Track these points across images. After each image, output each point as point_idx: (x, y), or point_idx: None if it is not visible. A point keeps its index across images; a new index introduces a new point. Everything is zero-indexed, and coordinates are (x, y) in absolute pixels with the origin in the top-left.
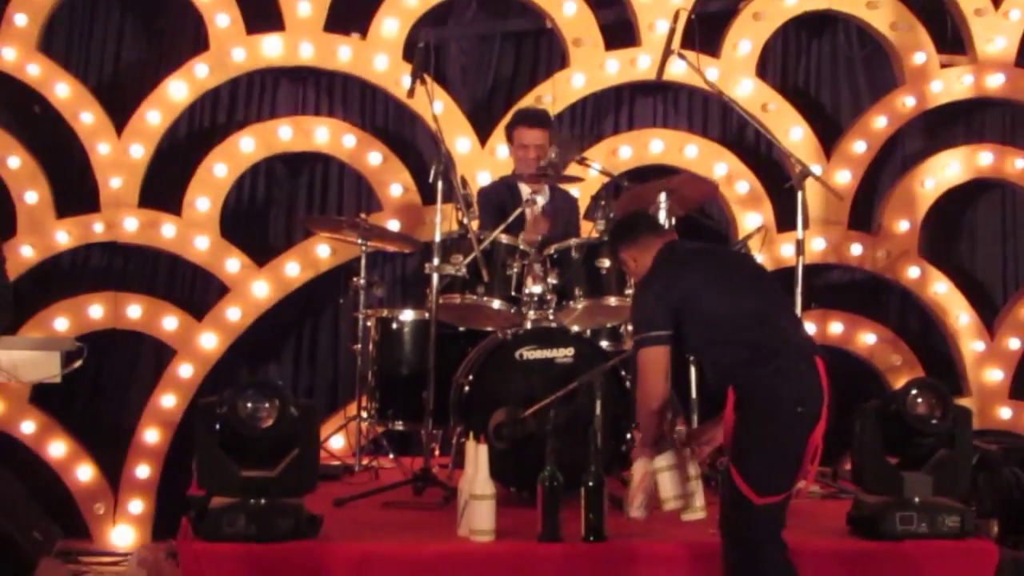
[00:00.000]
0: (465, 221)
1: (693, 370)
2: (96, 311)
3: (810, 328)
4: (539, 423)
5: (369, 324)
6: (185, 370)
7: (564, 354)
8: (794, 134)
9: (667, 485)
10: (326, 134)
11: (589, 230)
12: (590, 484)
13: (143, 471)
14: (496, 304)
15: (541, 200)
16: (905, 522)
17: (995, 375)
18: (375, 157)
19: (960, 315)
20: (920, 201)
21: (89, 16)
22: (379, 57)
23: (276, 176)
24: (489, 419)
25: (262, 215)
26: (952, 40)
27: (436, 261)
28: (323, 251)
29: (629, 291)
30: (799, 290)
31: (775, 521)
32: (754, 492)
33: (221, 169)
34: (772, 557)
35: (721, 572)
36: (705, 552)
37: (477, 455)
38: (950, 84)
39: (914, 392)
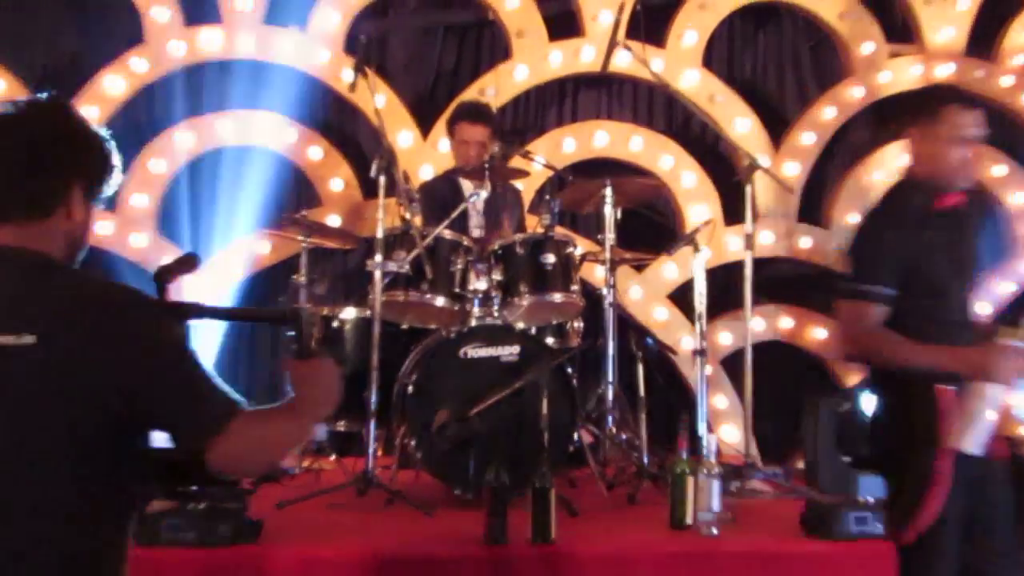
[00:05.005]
0: (408, 216)
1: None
2: None
3: (759, 323)
4: (484, 423)
5: None
6: None
7: (509, 352)
8: (741, 126)
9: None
10: (266, 128)
11: (534, 225)
12: (537, 485)
13: None
14: (440, 301)
15: (484, 194)
16: (860, 522)
17: None
18: (315, 152)
19: None
20: (870, 193)
21: None
22: (320, 50)
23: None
24: (433, 419)
25: (201, 210)
26: (901, 30)
27: (378, 258)
28: (263, 247)
29: (575, 287)
30: (748, 284)
31: None
32: None
33: (158, 165)
34: None
35: None
36: (656, 554)
37: None
38: (899, 74)
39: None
